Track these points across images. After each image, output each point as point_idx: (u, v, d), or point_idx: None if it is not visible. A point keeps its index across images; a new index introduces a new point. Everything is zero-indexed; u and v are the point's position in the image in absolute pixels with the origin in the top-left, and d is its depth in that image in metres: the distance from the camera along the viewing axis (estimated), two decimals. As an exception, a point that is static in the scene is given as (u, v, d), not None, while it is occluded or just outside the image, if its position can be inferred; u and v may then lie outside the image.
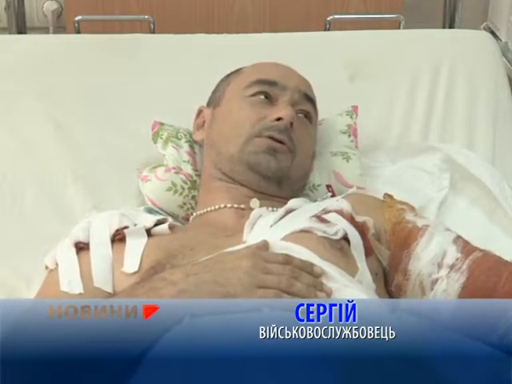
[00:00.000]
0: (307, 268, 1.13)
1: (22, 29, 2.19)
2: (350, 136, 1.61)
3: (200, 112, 1.54)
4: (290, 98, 1.43)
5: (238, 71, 1.53)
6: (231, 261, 1.11)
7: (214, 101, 1.52)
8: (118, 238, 1.28)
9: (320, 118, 1.55)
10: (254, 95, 1.44)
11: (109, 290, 1.22)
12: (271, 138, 1.38)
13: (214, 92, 1.54)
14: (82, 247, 1.27)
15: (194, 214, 1.43)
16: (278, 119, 1.39)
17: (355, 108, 1.66)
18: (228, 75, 1.54)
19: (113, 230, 1.28)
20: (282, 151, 1.39)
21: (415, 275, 1.25)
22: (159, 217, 1.36)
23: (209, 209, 1.40)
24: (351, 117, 1.64)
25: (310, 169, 1.51)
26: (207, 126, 1.50)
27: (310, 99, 1.47)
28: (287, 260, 1.13)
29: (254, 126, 1.40)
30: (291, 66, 1.51)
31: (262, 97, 1.43)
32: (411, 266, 1.26)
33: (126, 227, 1.29)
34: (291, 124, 1.40)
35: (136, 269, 1.22)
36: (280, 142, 1.39)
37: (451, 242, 1.26)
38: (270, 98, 1.43)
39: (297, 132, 1.41)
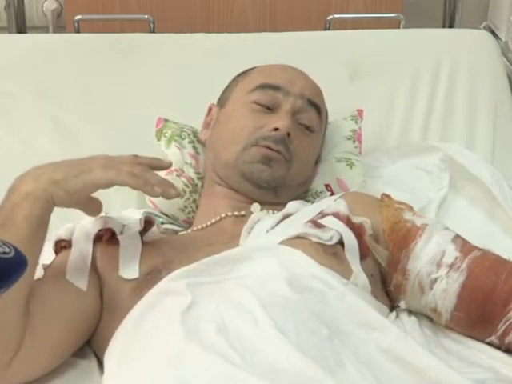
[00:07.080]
0: (155, 163, 1.23)
1: (21, 28, 2.19)
2: (354, 142, 1.60)
3: (210, 110, 1.54)
4: (292, 106, 1.42)
5: (247, 72, 1.52)
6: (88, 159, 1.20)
7: (222, 100, 1.51)
8: (106, 238, 1.27)
9: (325, 122, 1.54)
10: (255, 103, 1.43)
11: (82, 286, 1.20)
12: (268, 147, 1.38)
13: (224, 90, 1.53)
14: (64, 246, 1.26)
15: (195, 228, 1.41)
16: (276, 129, 1.39)
17: (360, 112, 1.64)
18: (238, 75, 1.53)
19: (96, 229, 1.27)
20: (277, 160, 1.38)
21: (414, 275, 1.25)
22: (146, 210, 1.38)
23: (209, 223, 1.38)
24: (356, 122, 1.63)
25: (310, 176, 1.50)
26: (212, 126, 1.50)
27: (315, 105, 1.46)
28: (136, 160, 1.20)
29: (252, 134, 1.39)
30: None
31: (262, 107, 1.42)
32: (410, 265, 1.25)
33: (109, 229, 1.28)
34: (288, 134, 1.39)
35: (136, 275, 1.22)
36: (276, 151, 1.38)
37: (450, 241, 1.26)
38: (272, 105, 1.42)
39: (295, 141, 1.40)
